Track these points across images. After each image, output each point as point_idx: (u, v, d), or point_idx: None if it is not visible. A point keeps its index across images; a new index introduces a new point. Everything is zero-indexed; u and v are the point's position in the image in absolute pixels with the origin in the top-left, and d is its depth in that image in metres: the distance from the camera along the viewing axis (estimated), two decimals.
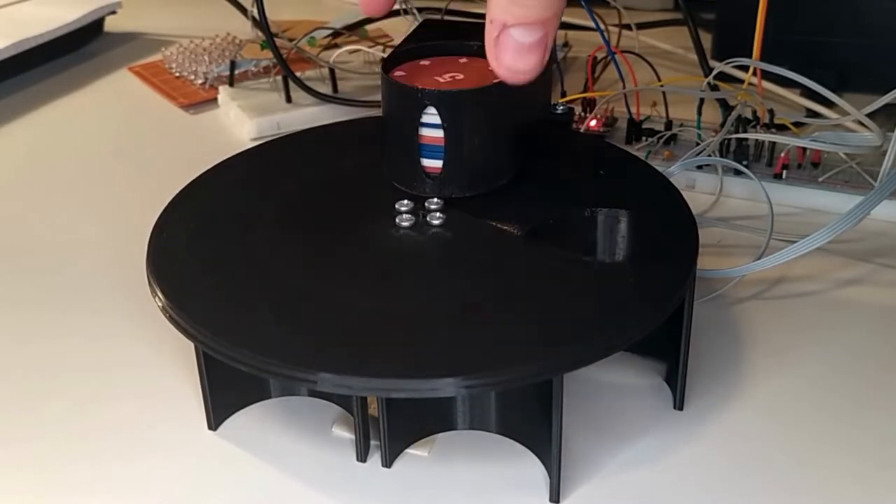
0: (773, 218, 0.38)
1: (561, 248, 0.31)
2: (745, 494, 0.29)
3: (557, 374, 0.27)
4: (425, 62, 0.35)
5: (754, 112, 0.46)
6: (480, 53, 0.35)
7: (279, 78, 0.53)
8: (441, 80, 0.33)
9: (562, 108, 0.38)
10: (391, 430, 0.29)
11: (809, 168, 0.45)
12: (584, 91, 0.51)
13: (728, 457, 0.30)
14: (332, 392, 0.31)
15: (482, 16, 0.71)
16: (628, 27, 0.57)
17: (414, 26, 0.39)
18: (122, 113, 0.56)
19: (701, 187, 0.45)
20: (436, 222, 0.32)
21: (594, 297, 0.29)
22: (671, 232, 0.32)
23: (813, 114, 0.49)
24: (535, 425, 0.29)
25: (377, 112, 0.35)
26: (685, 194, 0.34)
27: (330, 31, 0.59)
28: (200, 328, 0.28)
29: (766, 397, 0.33)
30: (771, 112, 0.46)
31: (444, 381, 0.26)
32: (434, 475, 0.30)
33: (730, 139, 0.45)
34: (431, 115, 0.32)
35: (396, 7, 0.63)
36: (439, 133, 0.32)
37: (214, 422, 0.32)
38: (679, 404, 0.32)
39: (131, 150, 0.52)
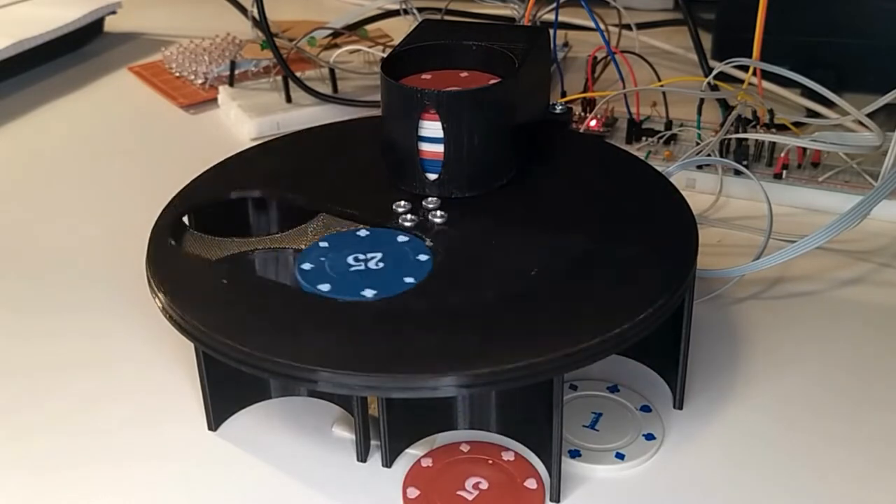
0: (773, 218, 0.38)
1: (560, 249, 0.31)
2: (745, 494, 0.29)
3: (557, 374, 0.27)
4: (426, 76, 0.35)
5: (754, 112, 0.46)
6: (481, 56, 0.36)
7: (279, 78, 0.53)
8: None
9: (561, 108, 0.38)
10: (391, 430, 0.29)
11: (809, 168, 0.45)
12: (584, 91, 0.51)
13: (728, 456, 0.30)
14: (332, 392, 0.31)
15: (482, 16, 0.71)
16: (628, 27, 0.57)
17: (414, 26, 0.39)
18: (122, 113, 0.56)
19: (701, 187, 0.45)
20: (435, 222, 0.32)
21: (594, 296, 0.29)
22: (671, 232, 0.32)
23: (813, 114, 0.49)
24: (535, 425, 0.29)
25: (377, 112, 0.35)
26: (685, 194, 0.34)
27: (330, 31, 0.59)
28: (200, 328, 0.28)
29: (765, 396, 0.33)
30: (771, 112, 0.46)
31: (444, 381, 0.26)
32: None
33: (730, 139, 0.45)
34: (431, 129, 0.32)
35: (396, 7, 0.63)
36: (439, 148, 0.33)
37: (214, 422, 0.32)
38: (679, 403, 0.32)
39: (131, 150, 0.52)
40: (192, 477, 0.30)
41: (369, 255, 0.31)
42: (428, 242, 0.31)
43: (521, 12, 0.55)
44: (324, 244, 0.31)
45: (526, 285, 0.29)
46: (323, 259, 0.31)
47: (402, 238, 0.31)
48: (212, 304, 0.29)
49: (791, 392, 0.33)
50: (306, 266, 0.30)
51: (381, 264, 0.30)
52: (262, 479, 0.30)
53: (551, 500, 0.29)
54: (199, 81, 0.57)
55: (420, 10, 0.61)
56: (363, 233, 0.32)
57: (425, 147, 0.33)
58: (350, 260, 0.30)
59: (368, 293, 0.29)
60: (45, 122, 0.55)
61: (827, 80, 0.45)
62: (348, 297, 0.29)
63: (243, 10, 0.63)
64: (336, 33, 0.59)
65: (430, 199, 0.33)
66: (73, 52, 0.64)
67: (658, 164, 0.37)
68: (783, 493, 0.29)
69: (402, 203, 0.33)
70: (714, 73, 0.46)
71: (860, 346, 0.35)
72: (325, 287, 0.29)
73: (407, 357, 0.27)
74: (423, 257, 0.30)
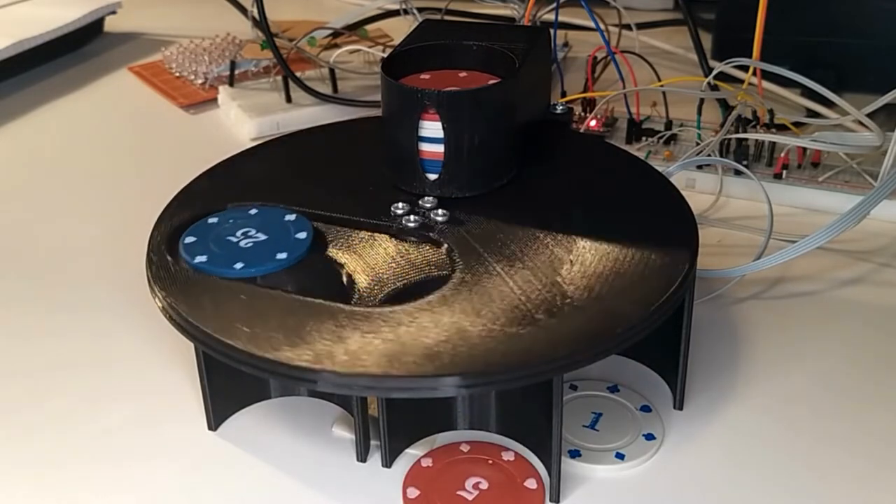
0: (773, 218, 0.38)
1: (559, 249, 0.31)
2: (745, 494, 0.29)
3: (557, 374, 0.27)
4: (425, 76, 0.35)
5: (754, 112, 0.46)
6: (481, 56, 0.36)
7: (279, 78, 0.53)
8: None
9: (562, 108, 0.38)
10: (391, 430, 0.29)
11: (809, 168, 0.45)
12: (584, 91, 0.51)
13: (728, 456, 0.30)
14: (332, 392, 0.31)
15: (482, 16, 0.71)
16: (628, 27, 0.57)
17: (414, 26, 0.39)
18: (122, 113, 0.56)
19: (701, 187, 0.45)
20: (437, 221, 0.32)
21: (594, 296, 0.29)
22: (671, 232, 0.32)
23: (813, 114, 0.49)
24: (535, 425, 0.29)
25: (377, 112, 0.35)
26: (685, 194, 0.34)
27: (330, 31, 0.59)
28: (200, 328, 0.28)
29: (766, 397, 0.33)
30: (771, 112, 0.46)
31: (444, 381, 0.26)
32: None
33: (730, 139, 0.45)
34: (431, 129, 0.32)
35: (396, 7, 0.63)
36: (439, 148, 0.33)
37: (214, 422, 0.32)
38: (679, 404, 0.32)
39: (131, 150, 0.52)
40: (192, 477, 0.30)
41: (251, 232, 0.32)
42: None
43: (521, 12, 0.55)
44: (213, 220, 0.33)
45: (524, 285, 0.29)
46: (206, 234, 0.32)
47: (289, 217, 0.33)
48: (212, 304, 0.29)
49: (791, 392, 0.33)
50: (189, 240, 0.32)
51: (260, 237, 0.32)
52: (262, 479, 0.30)
53: (551, 500, 0.29)
54: (199, 81, 0.57)
55: (420, 10, 0.61)
56: (253, 211, 0.33)
57: (425, 147, 0.33)
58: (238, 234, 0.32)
59: (238, 266, 0.30)
60: (45, 122, 0.55)
61: (827, 80, 0.45)
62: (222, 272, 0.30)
63: (243, 10, 0.63)
64: (336, 33, 0.59)
65: (429, 199, 0.33)
66: (73, 52, 0.64)
67: (658, 164, 0.37)
68: (783, 493, 0.29)
69: (401, 204, 0.33)
70: (714, 73, 0.46)
71: (860, 346, 0.35)
72: (202, 259, 0.31)
73: (407, 357, 0.27)
74: (302, 235, 0.32)
